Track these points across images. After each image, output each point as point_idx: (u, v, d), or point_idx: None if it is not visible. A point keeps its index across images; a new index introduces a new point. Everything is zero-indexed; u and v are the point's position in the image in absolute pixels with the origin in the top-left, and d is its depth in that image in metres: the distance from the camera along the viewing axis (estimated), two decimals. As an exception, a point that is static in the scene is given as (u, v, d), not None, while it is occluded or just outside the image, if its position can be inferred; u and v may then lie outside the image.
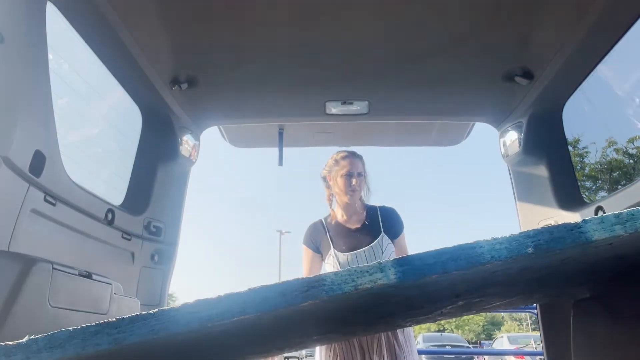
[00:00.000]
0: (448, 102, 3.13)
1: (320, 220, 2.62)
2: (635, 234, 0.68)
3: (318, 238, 2.54)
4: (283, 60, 2.68)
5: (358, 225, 2.51)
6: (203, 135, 3.37)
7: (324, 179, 2.58)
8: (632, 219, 0.68)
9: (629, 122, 2.94)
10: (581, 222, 0.71)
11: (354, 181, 2.41)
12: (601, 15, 2.15)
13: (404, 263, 0.69)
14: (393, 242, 2.48)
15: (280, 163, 3.49)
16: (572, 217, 2.75)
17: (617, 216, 0.69)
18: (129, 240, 2.66)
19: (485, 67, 2.75)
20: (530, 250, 0.68)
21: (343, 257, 2.42)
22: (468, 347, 21.01)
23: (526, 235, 0.70)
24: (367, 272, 0.68)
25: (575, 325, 1.69)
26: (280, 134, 3.43)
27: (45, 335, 0.71)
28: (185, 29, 2.45)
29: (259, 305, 0.68)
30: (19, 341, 0.72)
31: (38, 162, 1.76)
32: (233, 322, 0.71)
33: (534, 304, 3.24)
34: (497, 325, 50.57)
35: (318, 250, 2.53)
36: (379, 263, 0.69)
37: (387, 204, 2.64)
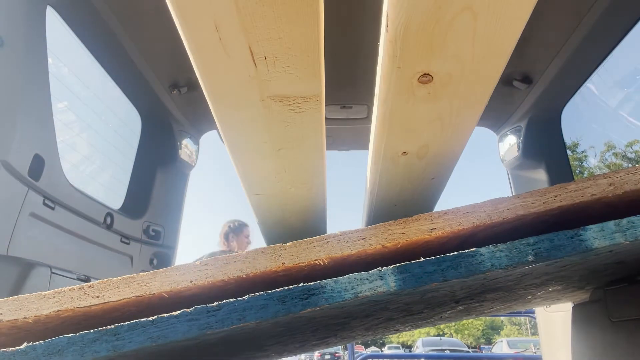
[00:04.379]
0: (447, 106, 3.13)
1: None
2: (636, 242, 0.68)
3: None
4: None
5: None
6: (202, 140, 3.37)
7: (227, 235, 3.64)
8: (632, 227, 0.68)
9: (627, 125, 2.95)
10: (581, 229, 0.70)
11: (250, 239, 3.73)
12: (599, 21, 2.17)
13: (404, 270, 0.69)
14: None
15: None
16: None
17: (617, 224, 0.69)
18: (128, 244, 2.65)
19: None
20: (530, 258, 0.68)
21: None
22: (467, 352, 20.96)
23: (526, 243, 0.69)
24: (367, 279, 0.68)
25: (574, 330, 1.69)
26: None
27: (44, 342, 0.71)
28: None
29: (258, 313, 0.68)
30: (17, 347, 0.71)
31: (37, 166, 1.76)
32: (232, 329, 0.71)
33: (534, 308, 3.24)
34: (496, 329, 50.45)
35: None
36: (379, 270, 0.69)
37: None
